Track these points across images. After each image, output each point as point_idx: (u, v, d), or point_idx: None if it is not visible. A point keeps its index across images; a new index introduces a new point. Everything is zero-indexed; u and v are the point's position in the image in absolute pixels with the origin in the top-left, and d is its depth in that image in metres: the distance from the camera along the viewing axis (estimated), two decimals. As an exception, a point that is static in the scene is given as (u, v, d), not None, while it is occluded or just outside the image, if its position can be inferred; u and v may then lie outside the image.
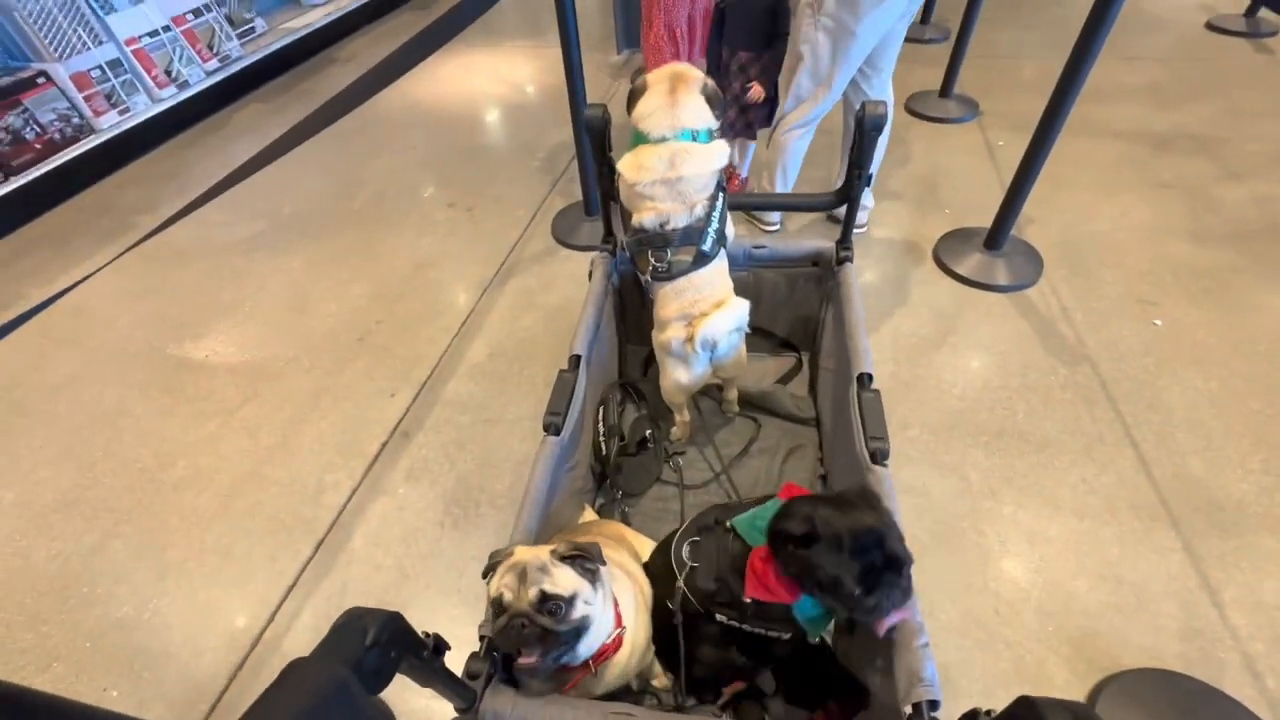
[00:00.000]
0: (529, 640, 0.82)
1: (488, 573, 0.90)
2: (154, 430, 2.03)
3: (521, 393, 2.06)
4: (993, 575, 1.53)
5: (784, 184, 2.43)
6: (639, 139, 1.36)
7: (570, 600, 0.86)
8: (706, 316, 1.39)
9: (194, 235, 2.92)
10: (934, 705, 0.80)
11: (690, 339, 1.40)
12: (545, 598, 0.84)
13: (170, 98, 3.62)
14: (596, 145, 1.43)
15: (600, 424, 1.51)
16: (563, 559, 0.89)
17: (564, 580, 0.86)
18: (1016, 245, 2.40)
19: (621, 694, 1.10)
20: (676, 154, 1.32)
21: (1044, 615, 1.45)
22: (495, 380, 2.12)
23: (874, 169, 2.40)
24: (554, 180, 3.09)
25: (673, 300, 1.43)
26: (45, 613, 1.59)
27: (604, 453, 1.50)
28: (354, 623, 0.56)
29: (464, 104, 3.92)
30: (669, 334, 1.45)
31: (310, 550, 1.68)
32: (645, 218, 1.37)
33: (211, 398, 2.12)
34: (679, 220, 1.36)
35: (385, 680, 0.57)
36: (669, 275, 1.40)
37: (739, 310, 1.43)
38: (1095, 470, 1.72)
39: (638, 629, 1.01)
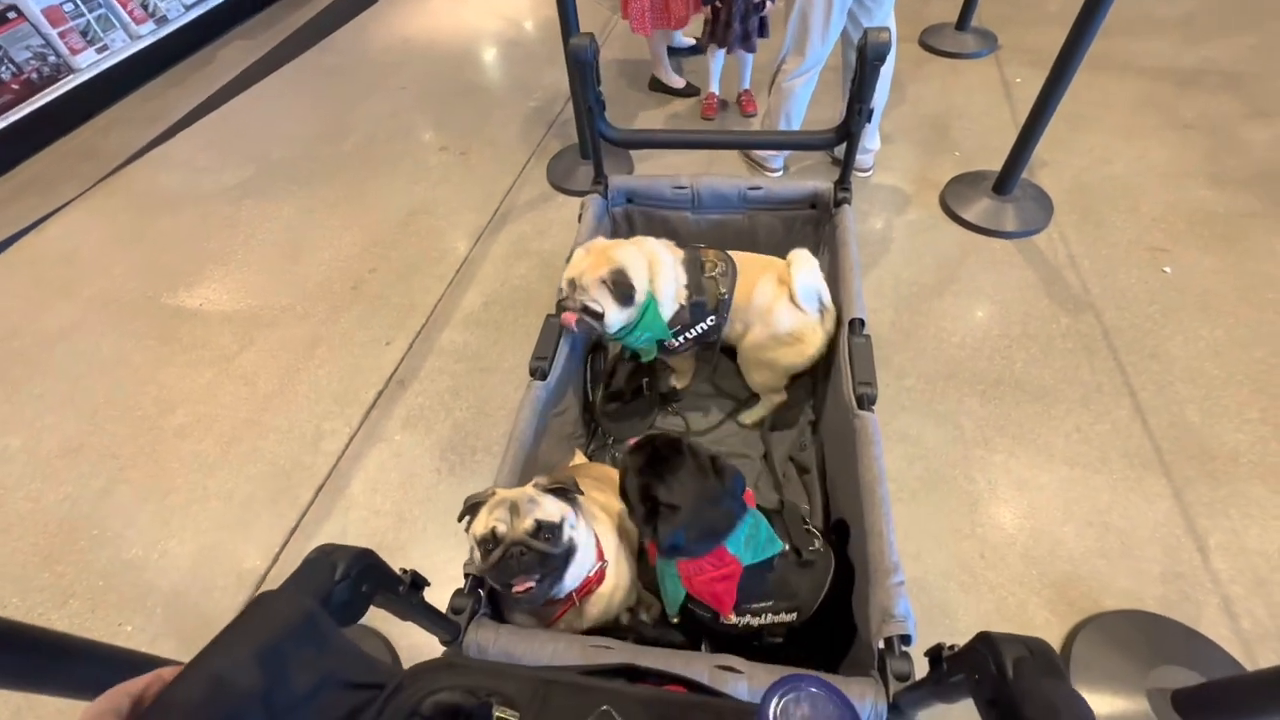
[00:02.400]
0: (528, 566, 0.86)
1: (464, 515, 0.91)
2: (152, 378, 2.04)
3: (516, 341, 2.05)
4: (980, 521, 1.54)
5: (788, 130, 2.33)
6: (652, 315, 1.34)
7: (560, 524, 0.90)
8: (791, 274, 1.31)
9: (183, 181, 2.86)
10: (905, 640, 0.81)
11: (791, 296, 1.31)
12: (540, 525, 0.88)
13: (150, 34, 3.47)
14: (583, 78, 1.36)
15: (588, 370, 1.50)
16: (546, 490, 0.92)
17: (551, 508, 0.91)
18: (1027, 189, 2.32)
19: (607, 630, 1.13)
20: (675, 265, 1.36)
21: (1029, 560, 1.47)
22: (490, 329, 2.10)
23: (878, 105, 2.31)
24: (550, 122, 2.98)
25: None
26: (58, 553, 1.65)
27: (590, 399, 1.50)
28: (323, 558, 0.57)
29: (456, 40, 3.74)
30: (774, 308, 1.35)
31: (310, 495, 1.71)
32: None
33: (208, 346, 2.12)
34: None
35: (356, 614, 0.59)
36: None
37: (807, 254, 1.34)
38: (1090, 419, 1.71)
39: (620, 567, 1.03)
